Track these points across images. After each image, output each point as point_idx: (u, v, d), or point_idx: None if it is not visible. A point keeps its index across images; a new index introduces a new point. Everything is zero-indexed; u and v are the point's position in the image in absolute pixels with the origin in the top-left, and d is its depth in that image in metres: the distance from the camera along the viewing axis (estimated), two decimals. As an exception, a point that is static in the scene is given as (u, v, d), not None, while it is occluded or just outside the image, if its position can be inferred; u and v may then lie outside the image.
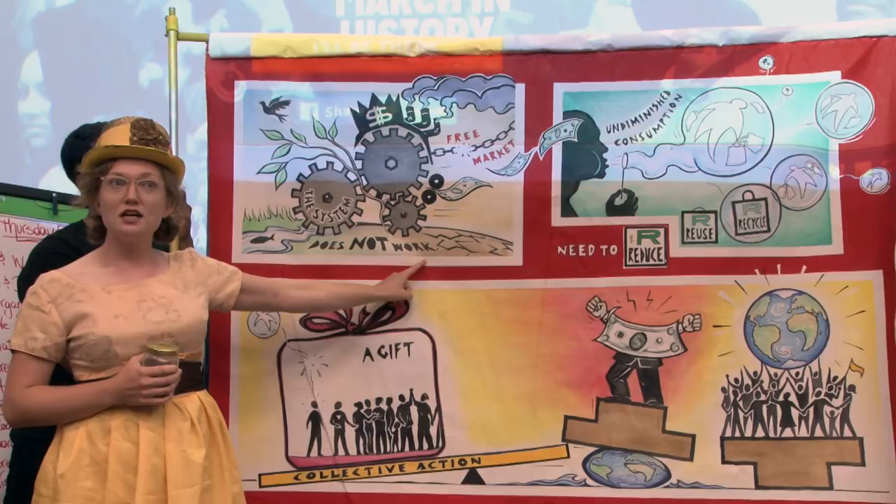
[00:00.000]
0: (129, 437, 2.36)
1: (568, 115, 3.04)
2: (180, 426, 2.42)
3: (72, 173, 3.01)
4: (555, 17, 4.72)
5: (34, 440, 2.67)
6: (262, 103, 3.07)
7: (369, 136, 3.08)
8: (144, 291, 2.47)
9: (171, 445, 2.39)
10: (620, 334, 3.00)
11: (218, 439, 2.52)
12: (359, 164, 3.07)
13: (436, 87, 3.05)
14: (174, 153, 3.07)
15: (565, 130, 3.04)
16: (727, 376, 2.96)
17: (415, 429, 3.03)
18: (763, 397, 2.96)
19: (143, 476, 2.33)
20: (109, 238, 2.50)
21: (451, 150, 3.05)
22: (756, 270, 2.97)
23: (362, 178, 3.07)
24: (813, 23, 3.06)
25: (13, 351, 2.40)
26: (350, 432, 3.03)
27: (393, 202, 3.07)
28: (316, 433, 3.03)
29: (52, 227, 3.54)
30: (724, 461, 2.95)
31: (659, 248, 3.00)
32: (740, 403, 2.96)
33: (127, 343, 2.37)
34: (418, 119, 3.06)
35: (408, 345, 3.06)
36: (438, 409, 3.03)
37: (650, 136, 3.01)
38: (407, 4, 4.75)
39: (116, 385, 2.34)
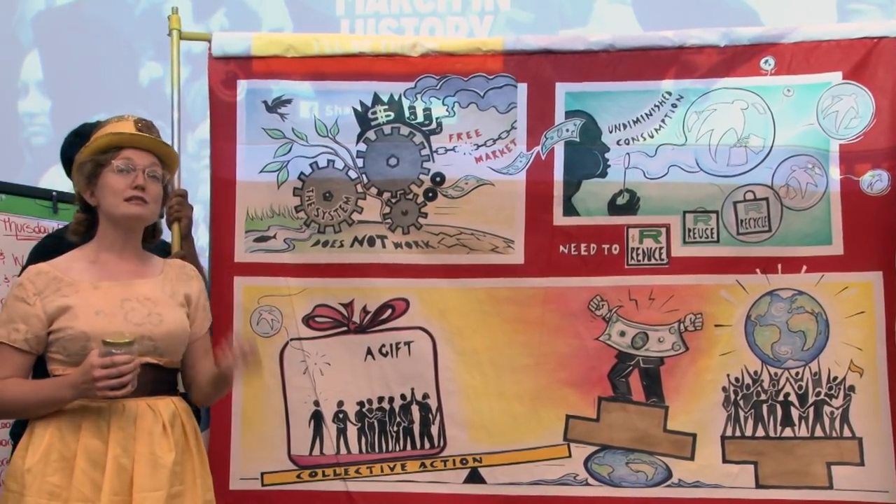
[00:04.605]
0: (100, 434, 2.32)
1: (570, 114, 3.05)
2: (152, 428, 2.36)
3: (72, 172, 3.00)
4: (555, 15, 4.72)
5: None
6: (265, 102, 3.08)
7: (371, 135, 3.08)
8: (130, 290, 2.44)
9: (141, 446, 2.33)
10: (622, 333, 3.00)
11: (192, 445, 2.46)
12: (360, 162, 3.08)
13: (438, 87, 3.06)
14: (176, 151, 3.10)
15: (567, 130, 3.05)
16: (728, 376, 2.97)
17: (416, 428, 3.03)
18: (763, 397, 2.96)
19: (109, 475, 2.28)
20: (102, 232, 2.48)
21: (453, 149, 3.06)
22: (757, 270, 2.97)
23: (363, 175, 3.08)
24: (814, 24, 3.09)
25: None
26: (352, 431, 3.03)
27: (394, 200, 3.07)
28: (318, 432, 3.03)
29: (52, 225, 3.53)
30: (724, 460, 2.95)
31: (661, 248, 3.00)
32: (741, 403, 2.97)
33: None
34: (420, 118, 3.07)
35: (408, 343, 3.06)
36: (440, 408, 3.04)
37: (652, 137, 3.02)
38: (407, 3, 4.75)
39: (73, 379, 2.29)
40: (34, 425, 2.35)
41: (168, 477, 2.34)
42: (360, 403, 3.04)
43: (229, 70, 3.10)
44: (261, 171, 3.07)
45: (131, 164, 2.43)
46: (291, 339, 3.05)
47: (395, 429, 3.04)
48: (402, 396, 3.04)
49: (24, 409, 2.38)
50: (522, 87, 3.05)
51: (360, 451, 3.03)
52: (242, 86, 3.09)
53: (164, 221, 2.99)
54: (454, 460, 3.02)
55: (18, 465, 2.32)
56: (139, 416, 2.35)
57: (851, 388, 2.94)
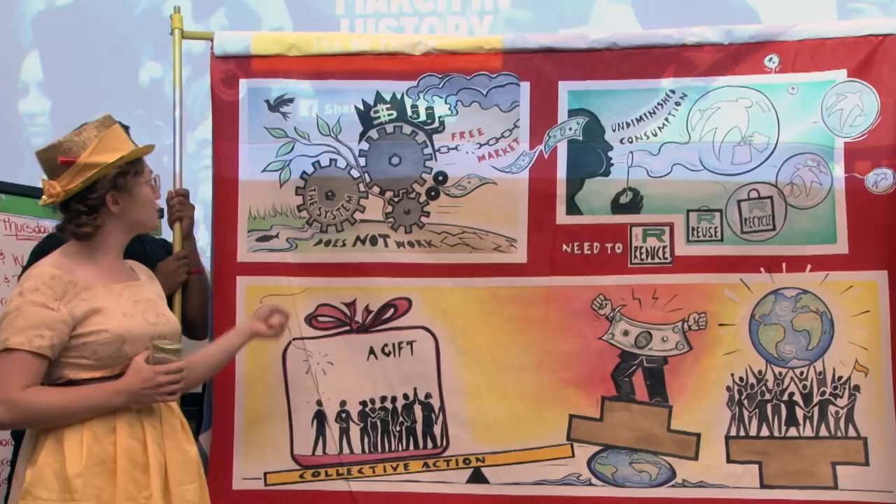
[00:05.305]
0: (135, 435, 2.36)
1: (573, 113, 3.04)
2: (174, 424, 2.45)
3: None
4: (555, 14, 4.71)
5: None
6: (267, 101, 3.07)
7: (373, 134, 3.07)
8: (136, 292, 2.47)
9: (170, 442, 2.41)
10: (626, 332, 2.99)
11: (192, 440, 2.55)
12: (362, 160, 3.07)
13: (440, 86, 3.05)
14: (177, 151, 3.10)
15: (570, 129, 3.04)
16: (732, 375, 2.96)
17: (419, 428, 3.03)
18: (768, 396, 2.95)
19: (154, 472, 2.34)
20: (108, 236, 2.46)
21: (455, 148, 3.05)
22: (761, 269, 2.96)
23: (366, 174, 3.07)
24: (818, 21, 3.06)
25: (8, 350, 2.29)
26: (355, 431, 3.03)
27: (396, 199, 3.06)
28: (321, 432, 3.02)
29: (52, 225, 3.51)
30: (729, 460, 2.94)
31: (664, 247, 2.99)
32: (745, 402, 2.96)
33: (136, 342, 2.37)
34: (423, 117, 3.06)
35: (411, 343, 3.05)
36: (442, 407, 3.03)
37: (655, 135, 3.01)
38: (407, 2, 4.74)
39: (129, 386, 2.32)
40: (62, 432, 2.32)
41: (195, 469, 2.44)
42: (363, 403, 3.03)
43: (230, 69, 3.09)
44: (263, 171, 3.06)
45: (153, 177, 2.54)
46: (294, 339, 3.03)
47: (398, 428, 3.03)
48: (405, 396, 3.03)
49: (60, 416, 2.33)
50: (525, 86, 3.04)
51: (363, 450, 3.02)
52: (243, 85, 3.08)
53: (191, 215, 3.07)
54: (457, 460, 3.01)
55: (47, 471, 2.29)
56: (162, 414, 2.43)
57: (856, 388, 2.93)
